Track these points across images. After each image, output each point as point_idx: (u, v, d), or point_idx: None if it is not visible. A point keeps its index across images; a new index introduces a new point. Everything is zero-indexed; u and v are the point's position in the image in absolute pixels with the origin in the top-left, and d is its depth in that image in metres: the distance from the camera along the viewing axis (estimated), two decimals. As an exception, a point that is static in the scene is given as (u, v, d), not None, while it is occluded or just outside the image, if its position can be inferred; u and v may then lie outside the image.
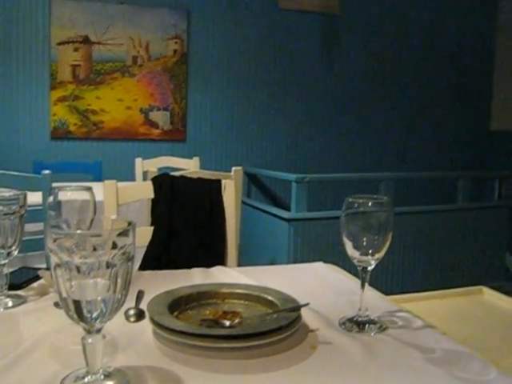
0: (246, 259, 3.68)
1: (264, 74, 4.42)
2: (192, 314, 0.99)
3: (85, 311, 0.67)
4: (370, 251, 0.94)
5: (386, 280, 3.52)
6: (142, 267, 1.79)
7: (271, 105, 4.45)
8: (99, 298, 0.67)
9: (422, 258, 3.74)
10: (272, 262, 3.36)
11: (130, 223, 0.69)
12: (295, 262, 3.19)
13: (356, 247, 0.94)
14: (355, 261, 0.95)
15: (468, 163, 5.24)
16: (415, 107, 5.05)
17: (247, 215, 3.68)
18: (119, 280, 0.68)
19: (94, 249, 0.66)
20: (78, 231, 0.74)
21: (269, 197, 4.46)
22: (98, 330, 0.69)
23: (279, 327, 0.87)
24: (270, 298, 1.02)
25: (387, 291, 1.33)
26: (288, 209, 3.43)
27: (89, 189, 1.14)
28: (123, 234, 0.68)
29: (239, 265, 2.36)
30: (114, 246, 0.67)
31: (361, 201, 0.93)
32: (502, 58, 5.41)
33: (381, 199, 0.93)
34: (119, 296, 0.69)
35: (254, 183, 4.39)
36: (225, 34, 4.27)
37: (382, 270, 3.48)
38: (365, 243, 0.93)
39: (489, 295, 1.38)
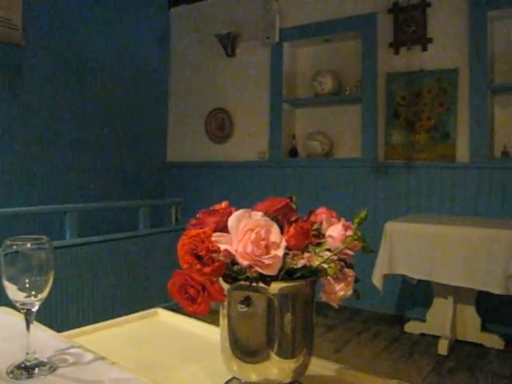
0: None
1: None
2: None
3: None
4: (33, 292, 0.92)
5: (74, 313, 3.47)
6: None
7: None
8: None
9: (111, 287, 3.80)
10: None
11: None
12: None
13: (19, 290, 0.91)
14: (18, 304, 0.93)
15: (148, 193, 5.58)
16: (100, 140, 5.18)
17: None
18: None
19: None
20: None
21: None
22: None
23: None
24: None
25: (75, 324, 1.33)
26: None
27: None
28: None
29: None
30: None
31: (19, 242, 0.91)
32: (175, 99, 6.10)
33: (40, 239, 0.93)
34: None
35: None
36: None
37: (69, 304, 3.43)
38: (27, 285, 0.91)
39: (164, 316, 1.47)
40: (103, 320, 1.40)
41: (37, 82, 4.63)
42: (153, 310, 1.49)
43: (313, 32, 5.08)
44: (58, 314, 3.26)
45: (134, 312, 1.47)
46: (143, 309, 1.51)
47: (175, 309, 1.48)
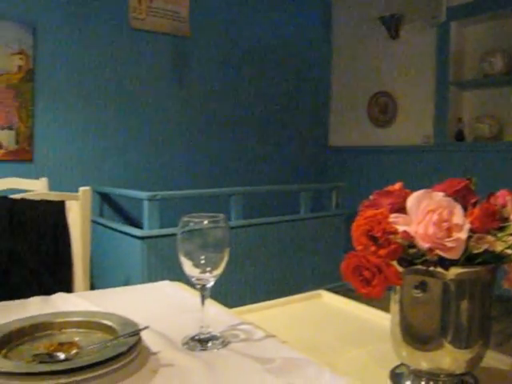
0: (101, 281, 3.60)
1: (116, 92, 4.29)
2: (24, 349, 0.90)
3: None
4: (209, 269, 0.95)
5: (237, 291, 3.60)
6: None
7: (123, 123, 4.34)
8: None
9: (271, 267, 3.92)
10: (127, 282, 3.30)
11: None
12: (150, 279, 3.16)
13: (194, 266, 0.94)
14: (194, 279, 0.96)
15: (309, 176, 5.62)
16: (262, 126, 5.29)
17: (100, 235, 3.59)
18: None
19: None
20: None
21: (123, 215, 4.36)
22: None
23: (118, 354, 0.83)
24: (109, 323, 0.97)
25: (237, 302, 1.37)
26: (142, 227, 3.40)
27: None
28: None
29: (92, 287, 2.30)
30: None
31: (196, 219, 0.94)
32: (337, 83, 5.97)
33: (216, 216, 0.95)
34: None
35: (106, 202, 4.27)
36: (74, 50, 4.06)
37: (233, 282, 3.57)
38: (203, 261, 0.94)
39: (327, 298, 1.46)
40: (264, 300, 1.41)
41: (201, 71, 4.81)
42: (316, 292, 1.49)
43: (482, 8, 4.76)
44: (221, 292, 3.40)
45: (293, 294, 1.48)
46: (303, 291, 1.50)
47: (337, 291, 1.46)
